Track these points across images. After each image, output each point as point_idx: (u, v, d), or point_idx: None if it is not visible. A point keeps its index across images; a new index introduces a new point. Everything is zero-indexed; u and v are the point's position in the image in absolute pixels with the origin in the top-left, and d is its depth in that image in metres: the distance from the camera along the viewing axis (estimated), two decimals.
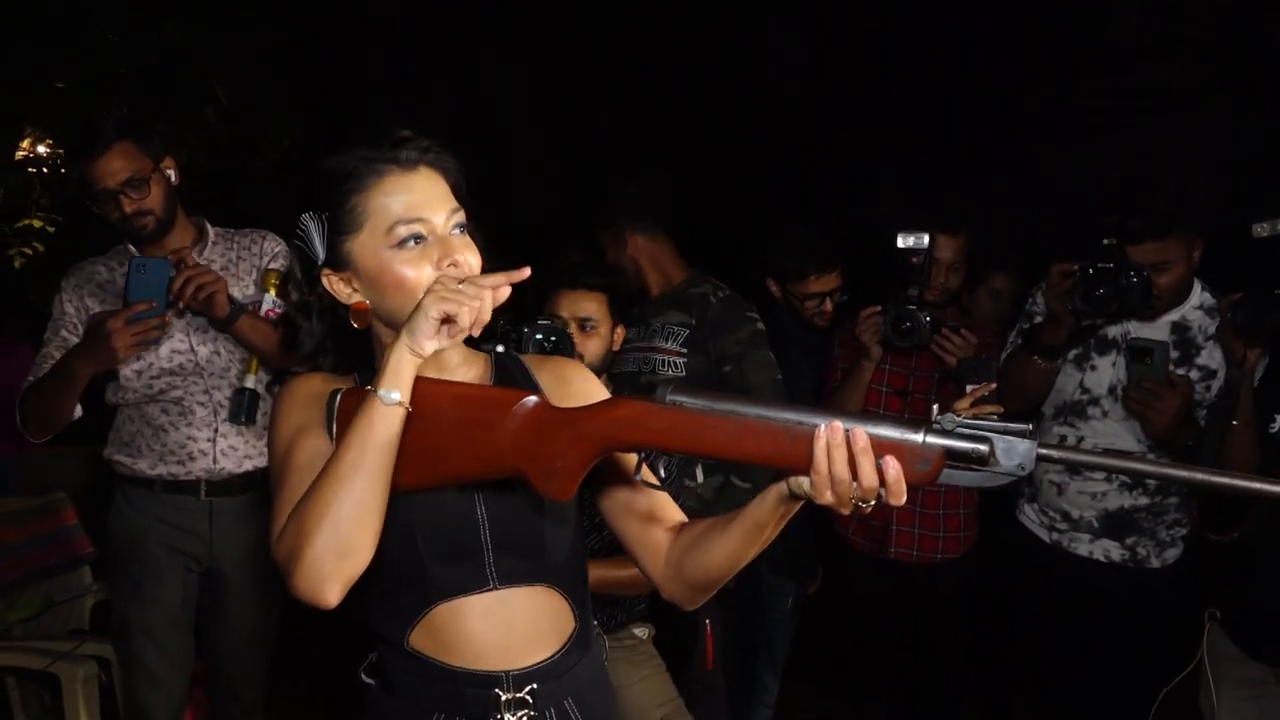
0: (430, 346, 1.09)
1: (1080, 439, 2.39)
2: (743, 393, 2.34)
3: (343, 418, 1.13)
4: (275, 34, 4.92)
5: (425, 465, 1.13)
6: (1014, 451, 0.96)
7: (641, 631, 2.17)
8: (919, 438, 0.98)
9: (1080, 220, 2.39)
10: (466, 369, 1.26)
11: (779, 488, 1.07)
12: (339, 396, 1.15)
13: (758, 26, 5.94)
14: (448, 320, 1.07)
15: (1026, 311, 2.51)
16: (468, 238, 1.21)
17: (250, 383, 2.31)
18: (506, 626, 1.21)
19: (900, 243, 2.44)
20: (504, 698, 1.20)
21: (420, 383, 1.12)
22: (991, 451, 0.96)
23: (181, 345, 2.31)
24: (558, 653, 1.23)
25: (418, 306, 1.08)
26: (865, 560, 2.73)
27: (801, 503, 1.07)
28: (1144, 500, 2.34)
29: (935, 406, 1.01)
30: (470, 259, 1.18)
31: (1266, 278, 2.06)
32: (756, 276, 2.86)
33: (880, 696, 2.84)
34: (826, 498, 1.01)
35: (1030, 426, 0.97)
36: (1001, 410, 2.18)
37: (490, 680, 1.20)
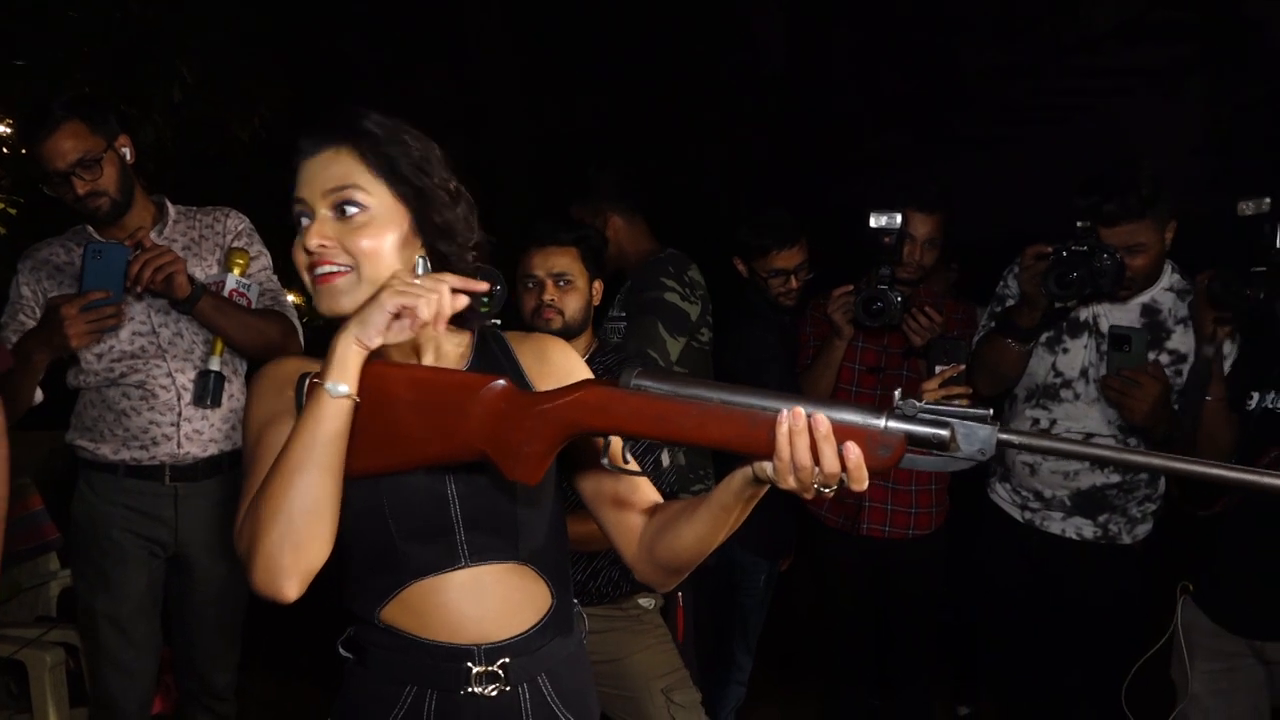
0: (378, 340, 1.09)
1: (1053, 421, 2.39)
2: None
3: None
4: (254, 14, 4.84)
5: (391, 449, 1.14)
6: (974, 437, 0.96)
7: (647, 601, 2.17)
8: (881, 423, 0.98)
9: (1054, 201, 2.39)
10: (447, 346, 1.25)
11: (744, 472, 1.08)
12: (309, 380, 1.14)
13: (739, 11, 5.92)
14: (403, 315, 1.07)
15: (998, 294, 2.51)
16: (357, 220, 1.15)
17: (215, 365, 2.27)
18: (479, 601, 1.21)
19: (872, 222, 2.43)
20: (475, 670, 1.21)
21: (384, 367, 1.13)
22: (952, 437, 0.97)
23: (143, 327, 2.27)
24: (532, 629, 1.24)
25: (373, 299, 1.09)
26: (838, 537, 2.74)
27: (767, 486, 1.07)
28: (1115, 478, 2.35)
29: (898, 392, 1.00)
30: (352, 241, 1.14)
31: (1245, 254, 2.06)
32: (725, 256, 2.85)
33: (851, 672, 2.85)
34: (789, 482, 1.01)
35: (990, 412, 0.97)
36: (970, 392, 2.18)
37: (462, 654, 1.21)
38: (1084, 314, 2.35)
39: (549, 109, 6.18)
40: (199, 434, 2.30)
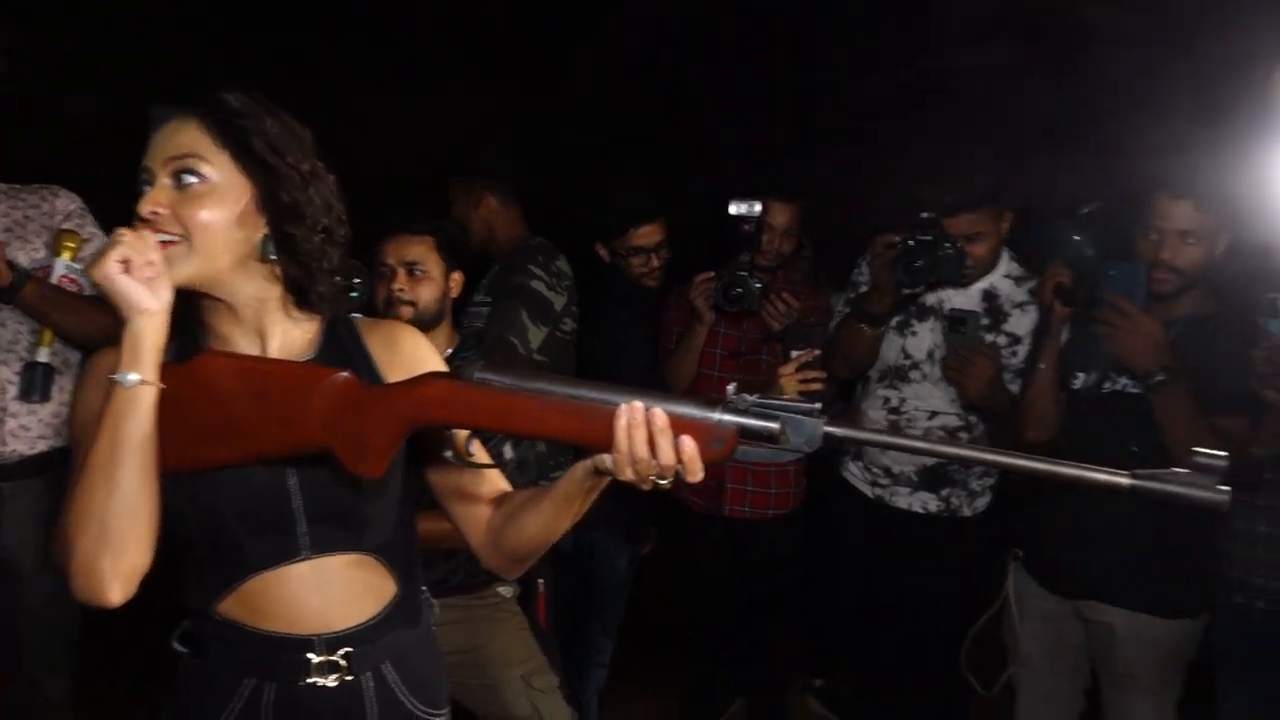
0: (146, 299, 1.05)
1: (902, 400, 2.51)
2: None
3: None
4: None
5: (226, 442, 1.12)
6: (802, 430, 1.01)
7: (505, 590, 2.17)
8: (715, 417, 1.02)
9: (901, 193, 2.50)
10: (295, 333, 1.22)
11: (585, 464, 1.10)
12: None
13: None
14: (126, 267, 1.05)
15: (852, 281, 2.61)
16: (195, 190, 1.12)
17: (43, 356, 2.14)
18: (319, 592, 1.20)
19: (732, 210, 2.49)
20: (315, 660, 1.20)
21: (218, 357, 1.11)
22: (782, 430, 1.01)
23: None
24: (374, 618, 1.23)
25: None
26: (701, 519, 2.79)
27: (609, 478, 1.09)
28: None
29: (731, 386, 1.04)
30: (186, 211, 1.11)
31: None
32: (587, 243, 2.85)
33: (711, 649, 2.92)
34: (627, 474, 1.04)
35: (818, 406, 1.02)
36: (824, 375, 2.26)
37: (302, 644, 1.20)
38: (930, 299, 2.47)
39: (439, 104, 6.06)
40: (26, 430, 2.15)
